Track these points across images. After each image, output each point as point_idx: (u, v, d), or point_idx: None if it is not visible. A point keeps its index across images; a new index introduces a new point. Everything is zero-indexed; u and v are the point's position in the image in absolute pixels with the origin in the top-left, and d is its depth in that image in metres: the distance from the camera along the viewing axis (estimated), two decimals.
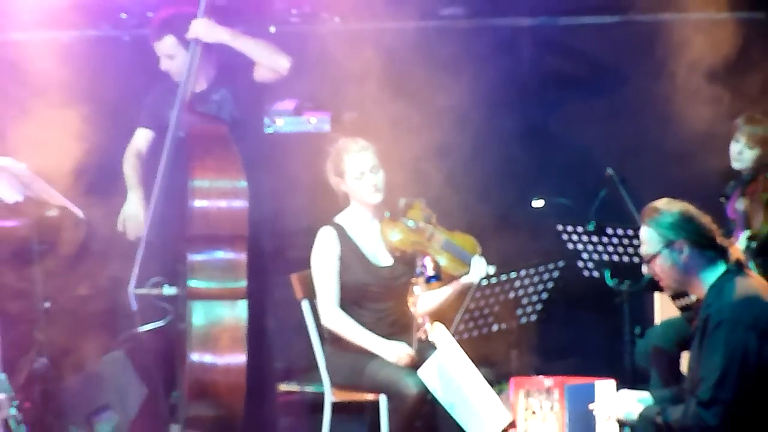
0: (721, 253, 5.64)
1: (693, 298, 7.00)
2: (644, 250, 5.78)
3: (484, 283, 6.77)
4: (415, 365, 6.44)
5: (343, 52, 7.99)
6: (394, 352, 6.76)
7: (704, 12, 8.03)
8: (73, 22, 8.00)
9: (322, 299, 6.94)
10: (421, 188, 7.31)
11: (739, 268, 5.61)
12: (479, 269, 6.90)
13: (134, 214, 7.72)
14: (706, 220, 5.71)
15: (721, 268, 5.61)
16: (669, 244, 5.63)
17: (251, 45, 7.44)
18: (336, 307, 6.88)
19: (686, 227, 5.65)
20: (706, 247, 5.60)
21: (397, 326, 6.89)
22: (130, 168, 7.77)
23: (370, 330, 6.91)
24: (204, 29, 7.41)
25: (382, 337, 6.87)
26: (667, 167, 7.83)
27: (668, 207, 5.71)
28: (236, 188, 7.21)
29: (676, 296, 7.22)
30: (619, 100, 8.52)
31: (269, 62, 7.44)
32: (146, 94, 7.77)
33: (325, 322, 6.95)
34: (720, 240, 5.67)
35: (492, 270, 6.97)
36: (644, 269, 5.88)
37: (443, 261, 6.89)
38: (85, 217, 7.75)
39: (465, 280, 6.87)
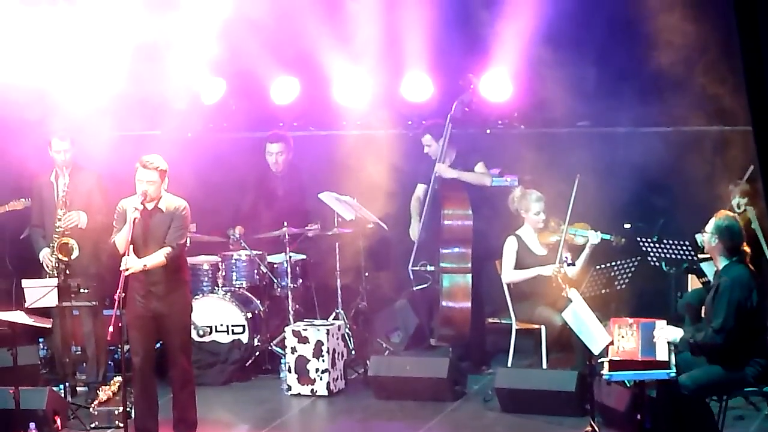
0: (737, 253, 7.26)
1: (709, 278, 8.41)
2: (707, 227, 7.28)
3: (599, 267, 8.54)
4: (560, 310, 8.17)
5: (522, 143, 10.21)
6: (549, 270, 8.87)
7: (728, 126, 9.40)
8: (381, 125, 10.46)
9: (505, 269, 9.26)
10: (560, 213, 9.05)
11: (742, 259, 7.28)
12: (594, 235, 8.89)
13: (415, 230, 9.79)
14: (738, 233, 7.18)
15: (733, 258, 7.27)
16: (712, 235, 7.28)
17: (466, 175, 9.55)
18: (512, 270, 9.19)
19: (723, 234, 7.27)
20: (728, 247, 7.28)
21: (549, 287, 8.97)
22: (414, 206, 9.91)
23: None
24: (443, 171, 9.55)
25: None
26: (700, 208, 8.63)
27: (724, 217, 7.31)
28: (466, 214, 9.44)
29: (699, 276, 8.92)
30: (671, 170, 9.97)
31: (477, 183, 9.63)
32: (416, 161, 9.87)
33: (505, 279, 9.26)
34: (741, 247, 7.25)
35: (601, 235, 8.73)
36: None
37: (576, 240, 8.88)
38: (387, 229, 9.93)
39: (589, 243, 8.87)
